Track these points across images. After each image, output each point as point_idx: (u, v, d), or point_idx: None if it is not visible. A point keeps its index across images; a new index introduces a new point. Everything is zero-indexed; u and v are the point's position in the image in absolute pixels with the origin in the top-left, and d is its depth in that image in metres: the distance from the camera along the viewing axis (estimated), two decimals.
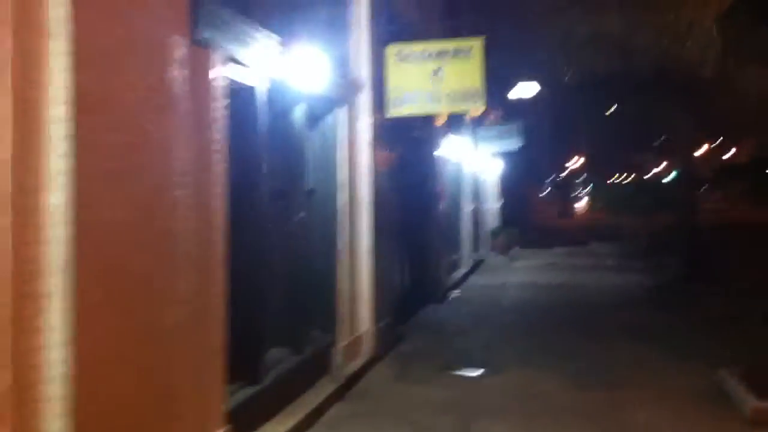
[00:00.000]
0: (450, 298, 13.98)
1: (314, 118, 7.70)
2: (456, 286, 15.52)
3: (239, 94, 5.91)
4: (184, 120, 4.70)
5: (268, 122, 6.42)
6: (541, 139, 50.86)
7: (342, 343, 8.01)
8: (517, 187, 32.56)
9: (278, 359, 6.79)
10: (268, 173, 6.45)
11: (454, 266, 17.33)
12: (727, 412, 6.71)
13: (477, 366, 8.56)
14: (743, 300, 12.15)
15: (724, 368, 7.54)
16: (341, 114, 8.21)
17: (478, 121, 19.57)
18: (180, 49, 4.65)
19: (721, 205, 42.07)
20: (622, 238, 24.09)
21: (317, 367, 7.47)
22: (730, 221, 24.78)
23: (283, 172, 7.03)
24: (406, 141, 12.13)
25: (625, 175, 48.10)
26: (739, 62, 13.48)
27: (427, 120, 13.21)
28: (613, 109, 45.61)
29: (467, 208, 19.14)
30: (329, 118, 8.04)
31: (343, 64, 8.39)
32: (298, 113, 7.15)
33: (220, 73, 5.21)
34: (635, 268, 18.12)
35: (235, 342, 5.71)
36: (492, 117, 21.30)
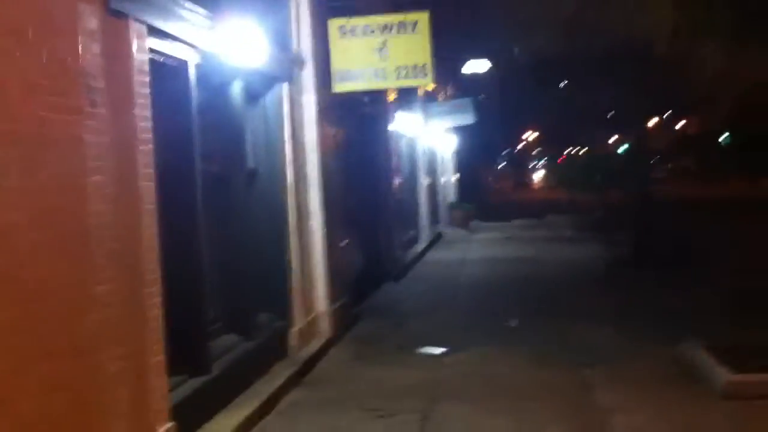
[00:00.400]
0: (407, 276, 13.72)
1: (253, 95, 7.31)
2: (414, 262, 15.28)
3: (167, 70, 5.51)
4: (98, 100, 4.28)
5: (201, 99, 6.03)
6: (494, 115, 50.93)
7: (297, 326, 7.70)
8: (473, 161, 32.45)
9: (229, 347, 6.45)
10: (203, 154, 6.07)
11: (413, 242, 17.11)
12: (698, 387, 6.45)
13: (437, 345, 8.31)
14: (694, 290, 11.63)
15: (690, 342, 7.34)
16: (283, 91, 7.82)
17: (431, 97, 19.29)
18: (91, 19, 4.23)
19: (668, 177, 42.23)
20: (577, 211, 24.08)
21: (272, 352, 7.14)
22: (680, 198, 24.59)
23: (220, 152, 6.65)
24: (356, 117, 11.80)
25: (578, 148, 48.41)
26: (691, 37, 13.31)
27: (378, 96, 12.89)
28: (563, 84, 45.75)
29: (424, 183, 18.91)
30: (270, 96, 7.66)
31: (282, 39, 8.00)
32: (235, 90, 6.75)
33: (141, 47, 4.80)
34: (591, 240, 18.05)
35: (177, 333, 5.36)
36: (444, 93, 21.06)
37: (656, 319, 9.31)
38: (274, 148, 7.66)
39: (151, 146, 4.88)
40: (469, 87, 26.80)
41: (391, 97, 14.10)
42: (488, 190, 37.68)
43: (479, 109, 25.94)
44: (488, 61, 34.62)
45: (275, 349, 7.22)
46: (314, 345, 7.91)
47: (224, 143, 6.73)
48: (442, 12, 21.41)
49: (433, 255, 16.99)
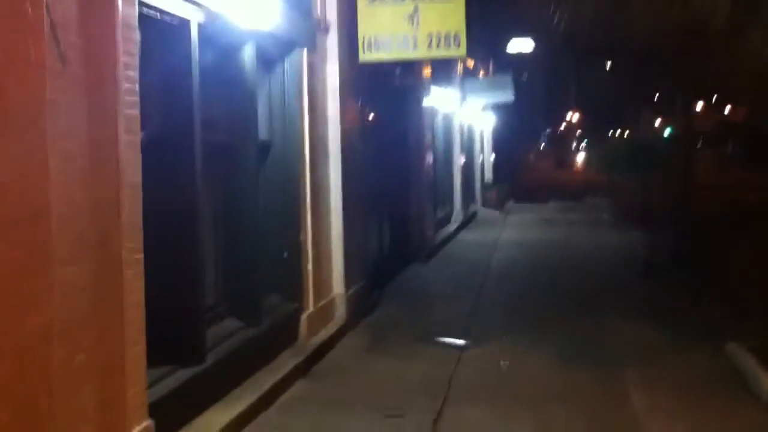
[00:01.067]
0: (437, 257, 13.10)
1: (269, 61, 6.70)
2: (445, 242, 14.64)
3: (164, 28, 4.92)
4: (70, 56, 3.70)
5: (205, 64, 5.44)
6: (536, 94, 49.78)
7: (308, 311, 7.13)
8: (512, 141, 31.52)
9: (230, 333, 5.92)
10: (208, 123, 5.49)
11: (446, 221, 16.47)
12: (743, 393, 5.80)
13: (458, 336, 7.69)
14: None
15: (734, 343, 6.62)
16: (303, 58, 7.19)
17: (470, 73, 18.52)
18: None
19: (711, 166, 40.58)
20: (617, 195, 23.13)
21: (279, 339, 6.59)
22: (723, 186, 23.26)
23: (228, 122, 6.07)
24: (387, 90, 11.13)
25: (619, 132, 46.92)
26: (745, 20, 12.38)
27: (411, 69, 12.20)
28: (608, 66, 44.32)
29: (459, 161, 18.19)
30: (288, 63, 7.03)
31: (303, 1, 7.37)
32: (247, 55, 6.13)
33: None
34: (631, 227, 17.17)
35: (168, 320, 4.84)
36: (485, 71, 20.26)
37: (697, 319, 8.56)
38: (290, 120, 7.05)
39: (136, 111, 4.29)
40: (511, 66, 25.88)
41: (427, 71, 13.39)
42: (526, 170, 36.68)
43: (519, 86, 25.07)
44: (532, 41, 33.63)
45: (283, 335, 6.67)
46: (327, 332, 7.34)
47: (233, 113, 6.14)
48: None
49: (466, 235, 16.32)
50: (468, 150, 21.20)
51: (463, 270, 11.95)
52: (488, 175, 25.54)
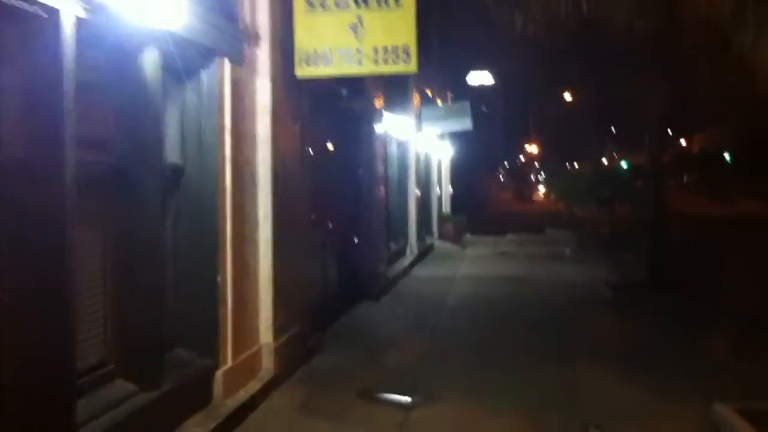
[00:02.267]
0: (389, 294, 12.01)
1: (179, 70, 5.61)
2: (399, 278, 13.57)
3: (22, 19, 3.83)
4: None
5: (86, 67, 4.36)
6: (494, 125, 49.42)
7: (225, 366, 5.98)
8: (470, 171, 30.74)
9: (117, 400, 4.76)
10: (86, 142, 4.40)
11: (399, 255, 15.41)
12: None
13: (406, 391, 6.60)
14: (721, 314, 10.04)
15: (720, 404, 5.67)
16: (225, 69, 6.13)
17: (426, 99, 17.64)
18: None
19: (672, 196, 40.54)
20: (579, 227, 22.40)
21: (185, 403, 5.44)
22: (690, 215, 22.95)
23: (120, 141, 4.97)
24: (333, 113, 10.11)
25: (576, 164, 46.55)
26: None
27: (361, 90, 11.21)
28: (568, 98, 43.93)
29: (414, 191, 17.19)
30: (206, 74, 5.96)
31: (229, 6, 6.32)
32: (148, 60, 5.05)
33: None
34: (595, 260, 16.34)
35: (27, 392, 3.70)
36: (440, 99, 19.43)
37: (678, 360, 7.66)
38: (207, 141, 5.95)
39: None
40: (469, 95, 25.20)
41: (379, 97, 12.43)
42: (485, 202, 35.95)
43: (478, 117, 24.33)
44: (490, 74, 33.17)
45: (191, 398, 5.51)
46: (249, 390, 6.18)
47: (129, 130, 5.04)
48: (444, 21, 20.03)
49: (421, 270, 15.28)
50: (425, 180, 20.27)
51: (416, 308, 10.87)
52: (446, 206, 24.64)
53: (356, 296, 10.88)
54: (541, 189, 49.97)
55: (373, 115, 12.12)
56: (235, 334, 6.12)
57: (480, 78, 31.23)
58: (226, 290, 6.05)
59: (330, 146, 10.20)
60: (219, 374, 5.85)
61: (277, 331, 6.93)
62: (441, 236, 21.33)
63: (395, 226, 15.47)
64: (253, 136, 6.80)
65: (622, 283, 12.30)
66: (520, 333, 9.30)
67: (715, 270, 12.46)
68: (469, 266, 16.32)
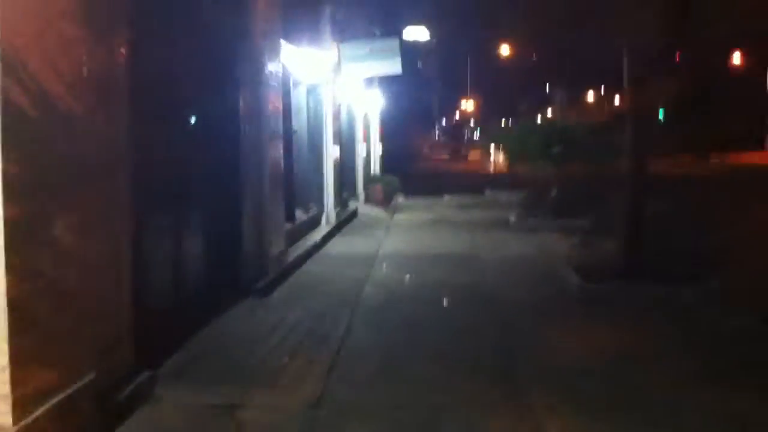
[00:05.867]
0: (284, 285, 8.72)
1: None
2: (305, 258, 10.29)
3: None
4: None
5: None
6: (430, 81, 46.24)
7: None
8: (403, 128, 27.53)
9: None
10: None
11: (308, 227, 12.10)
12: None
13: None
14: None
15: None
16: None
17: (346, 34, 14.18)
18: None
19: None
20: (522, 188, 19.47)
21: None
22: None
23: None
24: (193, 30, 6.66)
25: (510, 120, 43.84)
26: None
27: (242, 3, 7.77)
28: (504, 52, 41.20)
29: (332, 149, 13.81)
30: None
31: None
32: None
33: None
34: (546, 228, 13.35)
35: None
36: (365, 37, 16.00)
37: (696, 406, 4.64)
38: None
39: None
40: (406, 53, 22.01)
41: (273, 20, 8.97)
42: (419, 161, 32.83)
43: (411, 70, 21.33)
44: (426, 30, 30.36)
45: None
46: None
47: None
48: None
49: (336, 246, 12.00)
50: (347, 136, 16.91)
51: (319, 309, 7.60)
52: (375, 166, 21.40)
53: (232, 294, 7.56)
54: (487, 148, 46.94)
55: (262, 42, 8.64)
56: None
57: (416, 33, 28.10)
58: None
59: (181, 81, 6.72)
60: None
61: (26, 399, 3.57)
62: (368, 200, 18.11)
63: (304, 193, 12.14)
64: None
65: (591, 266, 9.26)
66: (456, 353, 6.14)
67: (707, 244, 9.54)
68: (398, 237, 13.14)
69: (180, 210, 6.62)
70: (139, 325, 5.07)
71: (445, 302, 8.08)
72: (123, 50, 4.88)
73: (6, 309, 3.59)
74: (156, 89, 5.97)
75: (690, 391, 5.09)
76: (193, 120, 6.88)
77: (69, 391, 4.09)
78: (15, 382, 3.62)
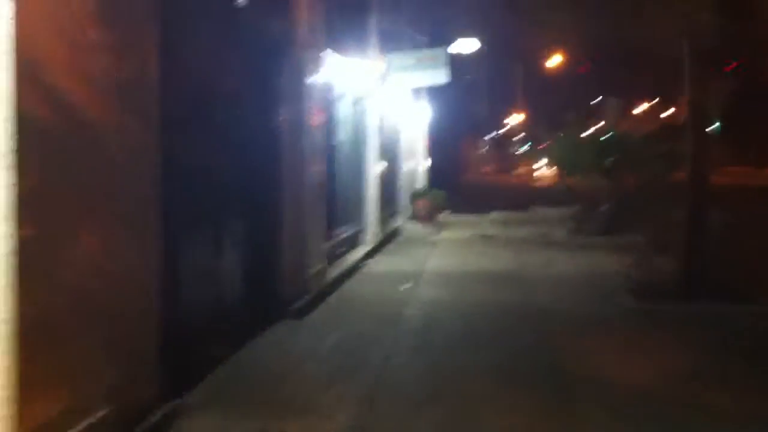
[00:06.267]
0: (323, 305, 8.38)
1: None
2: (345, 277, 9.95)
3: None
4: None
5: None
6: (478, 91, 45.77)
7: None
8: (450, 141, 27.06)
9: None
10: None
11: (349, 245, 11.77)
12: None
13: None
14: None
15: None
16: None
17: (392, 43, 13.87)
18: None
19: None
20: (573, 203, 18.86)
21: None
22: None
23: None
24: (231, 37, 6.40)
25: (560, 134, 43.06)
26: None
27: (287, 8, 7.51)
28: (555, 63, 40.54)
29: (375, 165, 13.48)
30: None
31: None
32: None
33: None
34: (599, 245, 12.80)
35: None
36: (412, 46, 15.67)
37: None
38: None
39: None
40: (454, 64, 21.64)
41: (319, 28, 8.69)
42: (466, 176, 32.31)
43: (459, 77, 20.93)
44: (477, 41, 30.04)
45: None
46: None
47: None
48: None
49: (378, 264, 11.62)
50: (392, 149, 16.58)
51: (357, 331, 7.24)
52: (420, 180, 21.02)
53: (269, 314, 7.25)
54: (542, 163, 45.59)
55: (305, 52, 8.37)
56: None
57: (467, 45, 27.68)
58: None
59: (219, 89, 6.46)
60: None
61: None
62: (413, 215, 17.72)
63: (346, 208, 11.82)
64: None
65: (647, 285, 8.72)
66: (503, 378, 5.71)
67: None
68: (443, 255, 12.71)
69: (216, 225, 6.34)
70: (166, 349, 4.78)
71: (490, 325, 7.63)
72: (154, 56, 4.62)
73: (13, 335, 3.31)
74: (191, 98, 5.71)
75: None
76: (231, 131, 6.60)
77: (82, 425, 3.80)
78: (20, 417, 3.33)
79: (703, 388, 5.44)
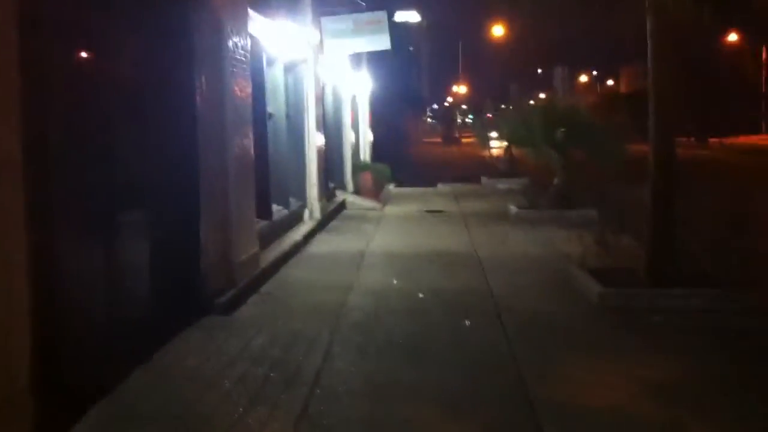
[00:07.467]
0: (255, 297, 7.31)
1: None
2: (282, 262, 8.87)
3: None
4: None
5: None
6: (420, 63, 44.70)
7: None
8: (393, 112, 26.02)
9: None
10: None
11: (287, 224, 10.67)
12: None
13: None
14: None
15: None
16: None
17: (327, 6, 12.70)
18: None
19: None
20: (521, 175, 18.10)
21: None
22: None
23: None
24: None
25: (503, 106, 42.51)
26: None
27: None
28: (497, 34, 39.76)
29: (315, 134, 12.34)
30: None
31: None
32: None
33: None
34: (551, 221, 12.00)
35: None
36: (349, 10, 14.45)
37: None
38: None
39: None
40: (395, 36, 20.56)
41: None
42: (410, 148, 31.34)
43: (406, 57, 19.95)
44: (417, 14, 29.38)
45: None
46: None
47: None
48: None
49: (321, 244, 10.56)
50: (333, 120, 15.47)
51: (292, 329, 6.19)
52: (364, 153, 19.97)
53: (186, 313, 6.14)
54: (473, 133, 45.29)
55: (223, 9, 7.17)
56: None
57: (407, 16, 26.73)
58: None
59: (111, 54, 5.25)
60: None
61: None
62: (357, 190, 16.67)
63: (283, 185, 10.70)
64: None
65: (611, 269, 7.81)
66: (453, 390, 4.74)
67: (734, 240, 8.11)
68: (388, 233, 11.72)
69: (109, 217, 5.18)
70: (47, 370, 3.69)
71: (441, 318, 6.66)
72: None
73: None
74: (71, 64, 4.53)
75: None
76: (128, 101, 5.42)
77: None
78: None
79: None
